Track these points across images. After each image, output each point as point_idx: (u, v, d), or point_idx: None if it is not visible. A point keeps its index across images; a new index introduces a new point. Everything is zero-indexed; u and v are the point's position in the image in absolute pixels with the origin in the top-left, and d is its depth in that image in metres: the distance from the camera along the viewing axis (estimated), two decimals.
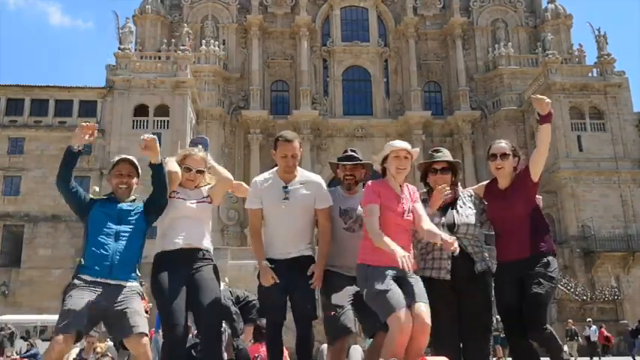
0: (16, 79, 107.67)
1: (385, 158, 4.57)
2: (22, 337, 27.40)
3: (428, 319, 4.20)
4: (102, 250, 4.43)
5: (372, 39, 48.07)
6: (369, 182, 4.63)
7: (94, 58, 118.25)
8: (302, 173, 4.89)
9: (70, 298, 4.28)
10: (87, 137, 4.47)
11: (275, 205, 4.75)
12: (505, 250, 4.69)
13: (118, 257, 4.41)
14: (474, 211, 4.77)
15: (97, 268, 4.38)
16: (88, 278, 4.37)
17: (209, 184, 4.90)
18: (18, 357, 21.65)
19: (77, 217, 4.70)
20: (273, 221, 4.80)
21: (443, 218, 4.67)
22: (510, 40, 47.22)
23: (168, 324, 4.51)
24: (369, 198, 4.44)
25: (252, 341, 8.65)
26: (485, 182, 5.02)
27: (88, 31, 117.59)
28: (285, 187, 4.76)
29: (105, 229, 4.48)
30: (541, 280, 4.49)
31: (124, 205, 4.59)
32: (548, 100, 4.58)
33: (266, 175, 4.94)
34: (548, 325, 4.50)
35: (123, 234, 4.49)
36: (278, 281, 4.60)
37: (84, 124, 4.47)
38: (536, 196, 4.80)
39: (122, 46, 39.15)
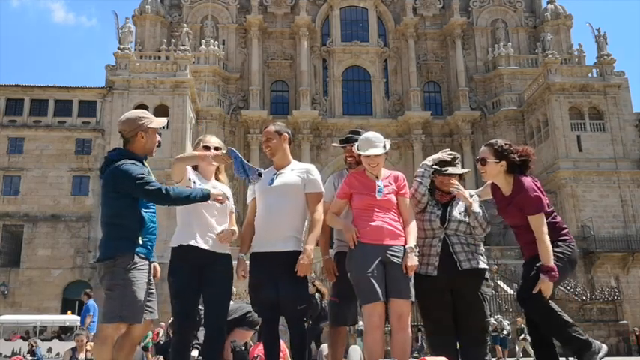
0: (16, 78, 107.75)
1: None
2: (21, 337, 27.42)
3: (404, 316, 4.31)
4: (151, 232, 4.46)
5: (372, 39, 48.08)
6: (349, 173, 4.90)
7: (98, 56, 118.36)
8: (296, 163, 5.00)
9: (136, 283, 4.19)
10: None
11: (263, 190, 4.81)
12: (524, 250, 4.70)
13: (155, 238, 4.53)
14: (473, 216, 4.76)
15: (148, 248, 4.40)
16: (142, 258, 4.34)
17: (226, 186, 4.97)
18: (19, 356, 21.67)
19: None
20: (261, 207, 4.81)
21: (439, 212, 4.73)
22: (510, 40, 47.25)
23: (179, 319, 4.63)
24: (339, 193, 4.75)
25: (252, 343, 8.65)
26: (490, 182, 4.89)
27: (92, 28, 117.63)
28: (275, 173, 4.86)
29: (151, 209, 4.48)
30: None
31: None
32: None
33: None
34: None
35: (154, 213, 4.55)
36: (246, 276, 4.67)
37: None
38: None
39: (122, 46, 39.16)
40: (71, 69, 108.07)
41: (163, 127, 4.78)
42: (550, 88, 39.59)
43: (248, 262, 4.77)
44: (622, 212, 37.72)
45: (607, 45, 41.95)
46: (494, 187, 4.82)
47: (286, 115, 45.02)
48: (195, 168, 4.85)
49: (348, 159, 5.12)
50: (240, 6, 47.61)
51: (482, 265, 4.71)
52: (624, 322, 30.40)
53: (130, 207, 4.30)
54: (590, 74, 41.65)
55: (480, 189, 5.07)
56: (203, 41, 44.79)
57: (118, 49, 38.97)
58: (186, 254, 4.58)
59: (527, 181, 4.52)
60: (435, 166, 4.80)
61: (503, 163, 4.54)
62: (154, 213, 4.53)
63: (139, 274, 4.22)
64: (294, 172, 4.85)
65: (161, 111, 37.54)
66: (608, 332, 29.45)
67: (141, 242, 4.32)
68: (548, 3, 48.82)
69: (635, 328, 31.05)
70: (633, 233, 36.98)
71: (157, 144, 4.55)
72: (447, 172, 4.74)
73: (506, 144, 4.62)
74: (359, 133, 5.01)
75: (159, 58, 40.93)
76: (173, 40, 43.51)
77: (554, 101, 39.45)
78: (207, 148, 4.84)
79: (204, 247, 4.61)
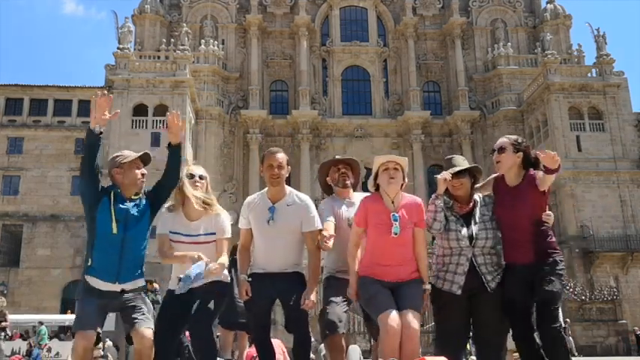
0: (15, 78, 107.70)
1: (377, 176, 4.57)
2: (21, 336, 27.41)
3: (414, 326, 4.26)
4: (109, 258, 4.50)
5: (372, 39, 48.07)
6: (363, 197, 4.71)
7: (106, 50, 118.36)
8: (291, 194, 4.87)
9: (80, 303, 4.54)
10: (106, 114, 4.58)
11: (261, 226, 4.78)
12: (511, 254, 4.63)
13: (124, 263, 4.51)
14: (492, 220, 4.67)
15: (104, 273, 4.51)
16: (96, 284, 4.53)
17: (218, 213, 4.83)
18: (18, 356, 21.69)
19: (85, 207, 4.67)
20: (260, 241, 4.83)
21: (464, 229, 4.60)
22: (509, 40, 47.23)
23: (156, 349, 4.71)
24: (356, 219, 4.60)
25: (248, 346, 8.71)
26: (494, 175, 4.89)
27: (100, 21, 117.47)
28: (272, 208, 4.77)
29: (111, 236, 4.50)
30: (552, 278, 4.45)
31: (134, 210, 4.58)
32: (557, 157, 4.40)
33: (256, 195, 5.01)
34: (559, 325, 4.44)
35: (129, 240, 4.54)
36: (250, 295, 4.68)
37: (97, 97, 4.58)
38: (547, 212, 4.69)
39: (121, 46, 39.15)
40: (72, 67, 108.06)
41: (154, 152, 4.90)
42: (549, 88, 39.59)
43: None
44: (621, 212, 37.72)
45: (606, 45, 41.96)
46: (497, 181, 4.79)
47: (286, 114, 45.04)
48: (182, 201, 4.78)
49: (342, 174, 5.14)
50: (239, 6, 47.59)
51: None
52: (623, 321, 30.47)
53: (88, 229, 4.60)
54: (589, 74, 41.64)
55: (484, 181, 4.96)
56: (202, 41, 44.75)
57: (118, 48, 38.95)
58: (172, 296, 4.76)
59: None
60: (444, 196, 4.67)
61: (520, 154, 4.62)
62: (111, 242, 4.51)
63: (86, 294, 4.52)
64: (291, 207, 4.78)
65: (160, 110, 37.57)
66: (608, 332, 29.54)
67: (90, 264, 4.54)
68: (547, 3, 48.80)
69: (635, 328, 31.07)
70: (633, 233, 36.98)
71: (138, 177, 4.62)
72: (454, 171, 4.62)
73: (523, 140, 4.75)
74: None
75: (158, 57, 40.92)
76: (172, 40, 43.48)
77: (554, 101, 39.45)
78: (191, 175, 4.81)
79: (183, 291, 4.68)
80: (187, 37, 41.49)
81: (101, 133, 4.56)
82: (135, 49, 42.08)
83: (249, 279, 4.76)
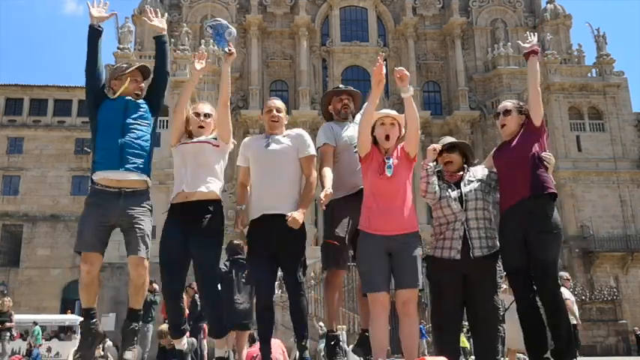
0: (16, 78, 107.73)
1: (373, 129, 4.68)
2: (21, 336, 27.42)
3: (409, 302, 4.27)
4: (111, 143, 4.53)
5: (372, 39, 48.09)
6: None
7: (106, 49, 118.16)
8: (288, 131, 5.05)
9: (81, 219, 4.63)
10: (103, 11, 4.72)
11: (257, 155, 4.88)
12: (507, 194, 4.64)
13: (127, 148, 4.54)
14: (480, 181, 4.76)
15: (108, 162, 4.51)
16: (101, 179, 4.50)
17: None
18: (18, 356, 21.71)
19: (89, 104, 4.73)
20: (257, 172, 4.87)
21: (455, 192, 4.68)
22: (510, 40, 47.20)
23: (164, 285, 4.73)
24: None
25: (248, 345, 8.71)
26: (491, 153, 5.03)
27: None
28: (269, 137, 4.92)
29: (113, 123, 4.58)
30: (546, 242, 4.46)
31: (131, 100, 4.70)
32: (534, 41, 4.76)
33: (256, 134, 5.15)
34: (557, 288, 4.51)
35: (129, 126, 4.60)
36: (245, 225, 4.72)
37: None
38: (547, 152, 4.72)
39: (121, 46, 39.19)
40: (72, 67, 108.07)
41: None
42: (549, 88, 39.61)
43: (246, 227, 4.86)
44: (621, 212, 37.75)
45: (606, 45, 42.01)
46: (498, 148, 4.90)
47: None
48: (189, 135, 4.91)
49: (345, 107, 5.33)
50: (239, 5, 47.62)
51: (495, 250, 4.69)
52: (623, 321, 30.48)
53: (92, 128, 4.66)
54: (589, 74, 41.69)
55: (484, 162, 5.08)
56: (202, 41, 44.71)
57: (118, 48, 39.00)
58: (175, 210, 4.72)
59: None
60: (435, 164, 4.81)
61: (523, 116, 4.85)
62: (112, 128, 4.57)
63: (88, 209, 4.59)
64: (287, 137, 4.92)
65: (160, 111, 37.56)
66: (608, 332, 29.56)
67: (95, 160, 4.58)
68: (547, 3, 48.79)
69: (635, 328, 31.10)
70: (632, 233, 37.02)
71: (134, 89, 4.73)
72: (444, 144, 4.82)
73: (524, 104, 5.01)
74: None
75: None
76: (173, 40, 43.46)
77: (554, 101, 39.47)
78: (197, 114, 4.94)
79: (189, 190, 4.67)
80: (187, 37, 41.54)
81: (100, 27, 4.73)
82: (135, 49, 42.10)
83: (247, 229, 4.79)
